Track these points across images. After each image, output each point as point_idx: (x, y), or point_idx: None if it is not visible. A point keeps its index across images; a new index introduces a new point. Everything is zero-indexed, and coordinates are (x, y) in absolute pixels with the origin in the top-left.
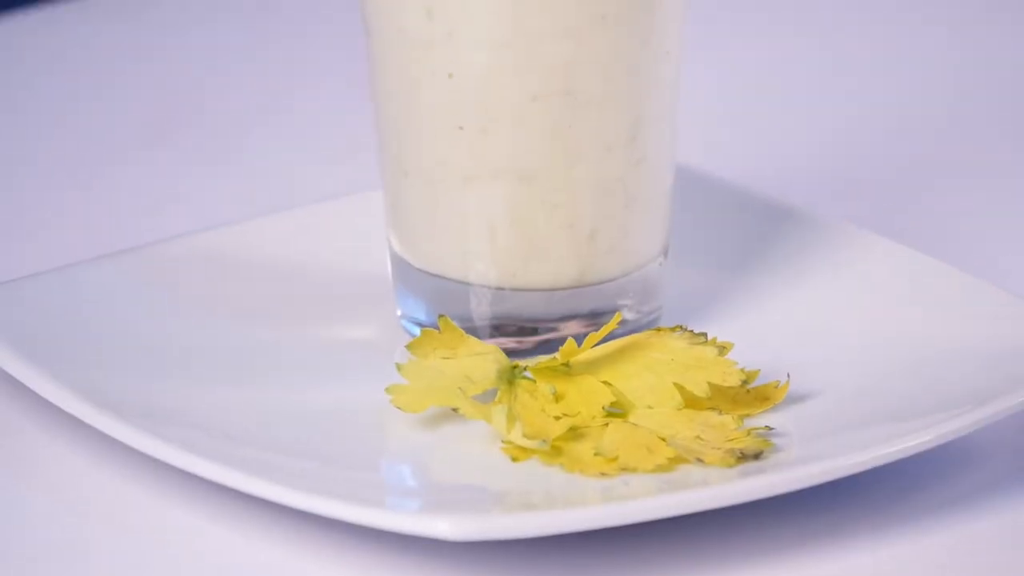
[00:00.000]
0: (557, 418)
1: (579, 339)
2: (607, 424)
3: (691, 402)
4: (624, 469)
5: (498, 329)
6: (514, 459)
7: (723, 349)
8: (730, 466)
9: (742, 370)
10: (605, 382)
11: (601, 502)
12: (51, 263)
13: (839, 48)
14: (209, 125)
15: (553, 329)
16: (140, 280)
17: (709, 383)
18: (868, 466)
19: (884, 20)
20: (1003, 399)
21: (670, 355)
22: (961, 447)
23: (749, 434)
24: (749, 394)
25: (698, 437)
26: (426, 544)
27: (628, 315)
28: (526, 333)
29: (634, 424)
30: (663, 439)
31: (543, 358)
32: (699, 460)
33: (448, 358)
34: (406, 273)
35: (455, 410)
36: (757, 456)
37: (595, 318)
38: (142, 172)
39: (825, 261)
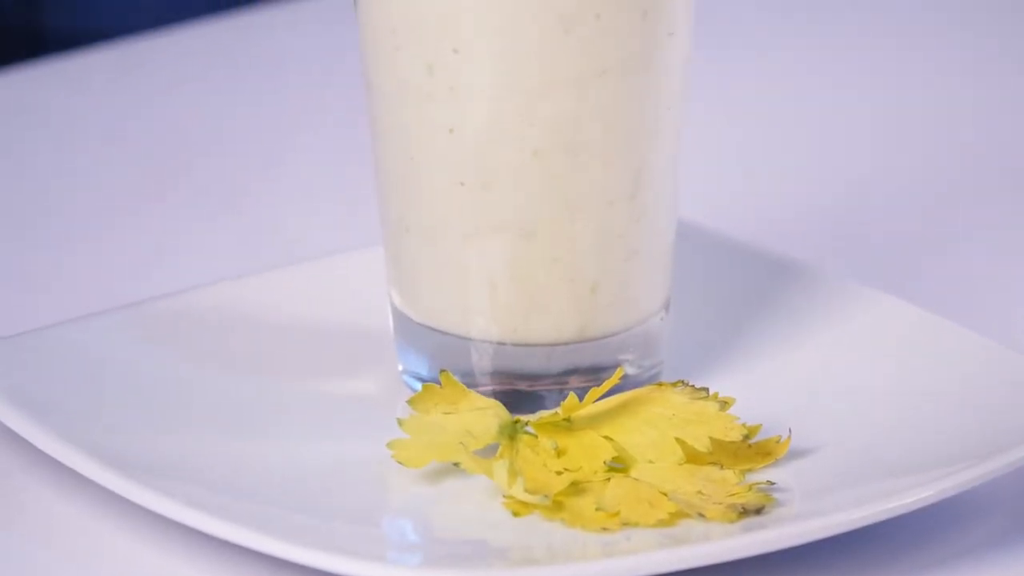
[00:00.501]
0: (559, 473)
1: (580, 394)
2: (609, 479)
3: (692, 457)
4: (626, 524)
5: (500, 384)
6: (516, 514)
7: (725, 404)
8: (732, 521)
9: (744, 425)
10: (606, 437)
11: (603, 557)
12: (52, 318)
13: (842, 103)
14: (209, 180)
15: (554, 384)
16: (140, 335)
17: (711, 438)
18: (870, 521)
19: (888, 74)
20: (1004, 454)
21: (671, 410)
22: (963, 502)
23: (751, 489)
24: (751, 449)
25: (700, 492)
26: None
27: (629, 370)
28: (528, 385)
29: (635, 479)
30: (665, 494)
31: (544, 413)
32: (701, 515)
33: (449, 413)
34: (407, 328)
35: (456, 465)
36: (759, 511)
37: (596, 373)
38: (142, 227)
39: (827, 316)
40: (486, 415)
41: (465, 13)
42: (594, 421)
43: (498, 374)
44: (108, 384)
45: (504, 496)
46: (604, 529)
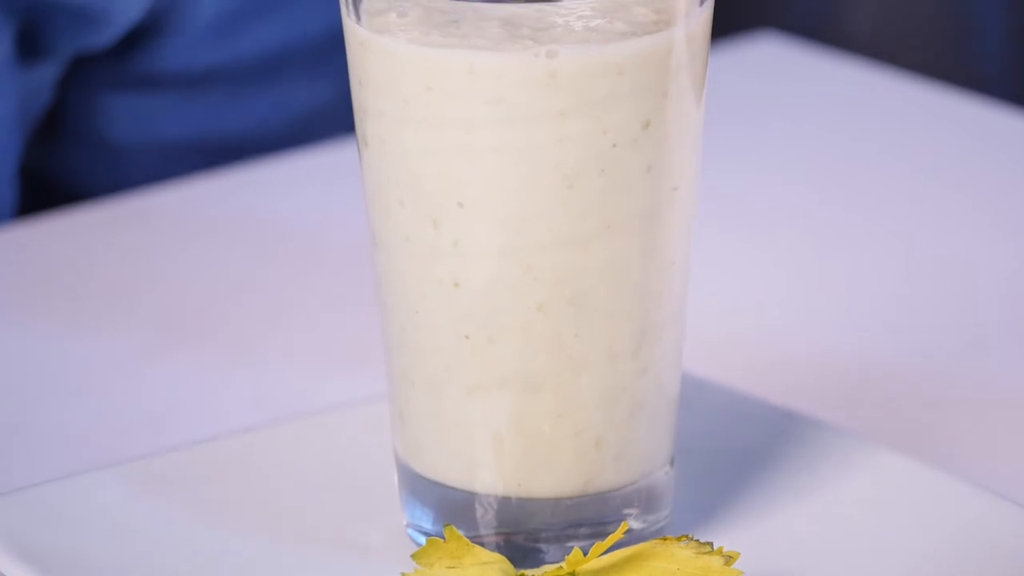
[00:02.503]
0: None
1: (585, 548)
2: None
3: None
4: None
5: (504, 537)
6: None
7: (730, 559)
8: None
9: None
10: None
11: None
12: (57, 472)
13: (849, 256)
14: (214, 335)
15: (559, 538)
16: (145, 490)
17: None
18: None
19: (895, 228)
20: None
21: (676, 564)
22: None
23: None
24: None
25: None
26: None
27: (634, 524)
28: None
29: None
30: None
31: (549, 567)
32: None
33: (453, 567)
34: (412, 481)
35: None
36: None
37: (601, 527)
38: (147, 381)
39: (832, 471)
40: (490, 569)
41: (470, 168)
42: (598, 575)
43: (502, 528)
44: (111, 539)
45: None
46: None
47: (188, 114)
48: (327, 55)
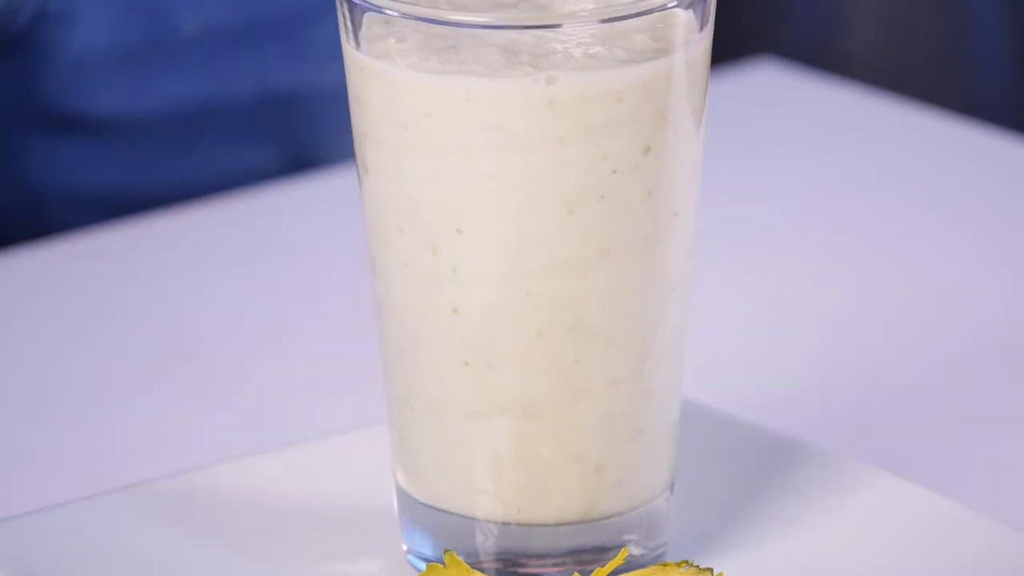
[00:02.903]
0: None
1: (585, 574)
2: None
3: None
4: None
5: (504, 563)
6: None
7: None
8: None
9: None
10: None
11: None
12: (53, 499)
13: (850, 281)
14: (214, 359)
15: (559, 564)
16: (141, 516)
17: None
18: None
19: (897, 252)
20: None
21: None
22: None
23: None
24: None
25: None
26: None
27: (634, 550)
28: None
29: None
30: None
31: None
32: None
33: None
34: (411, 508)
35: None
36: None
37: (601, 553)
38: (144, 407)
39: (833, 497)
40: None
41: (468, 195)
42: None
43: (502, 554)
44: (108, 565)
45: None
46: None
47: (105, 166)
48: (255, 120)
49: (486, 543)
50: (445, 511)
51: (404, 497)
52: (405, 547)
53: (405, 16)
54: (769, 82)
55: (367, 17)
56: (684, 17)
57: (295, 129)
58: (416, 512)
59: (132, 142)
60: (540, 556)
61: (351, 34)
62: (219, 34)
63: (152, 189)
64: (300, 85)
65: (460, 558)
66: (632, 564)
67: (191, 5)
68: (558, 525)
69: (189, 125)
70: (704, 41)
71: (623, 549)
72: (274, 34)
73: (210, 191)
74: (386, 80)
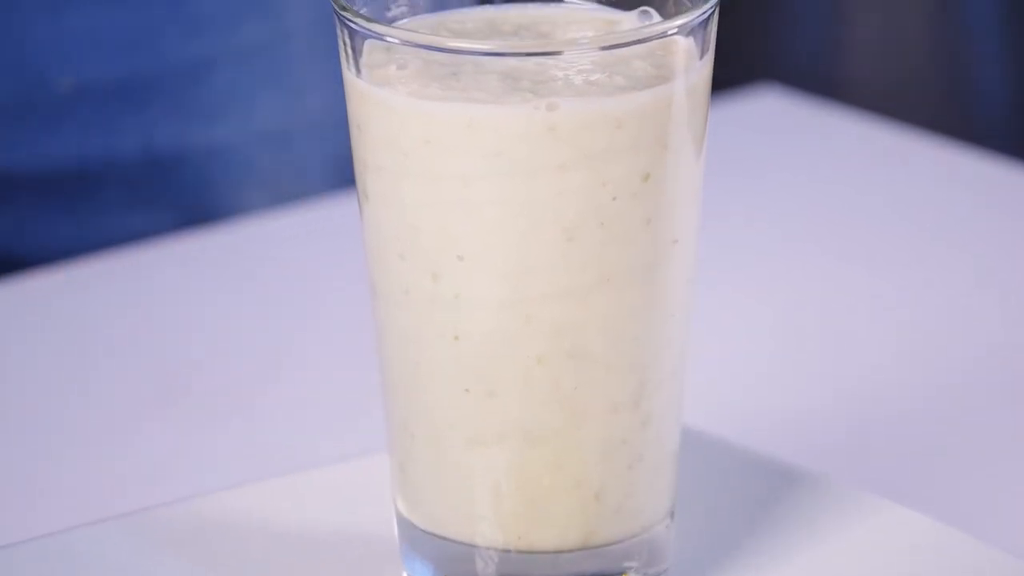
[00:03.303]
0: None
1: None
2: None
3: None
4: None
5: None
6: None
7: None
8: None
9: None
10: None
11: None
12: (55, 526)
13: (851, 307)
14: (213, 388)
15: None
16: (142, 545)
17: None
18: None
19: (899, 279)
20: None
21: None
22: None
23: None
24: None
25: None
26: None
27: None
28: None
29: None
30: None
31: None
32: None
33: None
34: (412, 535)
35: None
36: None
37: None
38: (145, 435)
39: (833, 524)
40: None
41: (469, 222)
42: None
43: None
44: None
45: None
46: None
47: None
48: (143, 178)
49: (486, 570)
50: (445, 538)
51: (404, 524)
52: (405, 574)
53: (406, 43)
54: (770, 108)
55: (368, 44)
56: (684, 44)
57: (185, 188)
58: (416, 539)
59: (13, 201)
60: None
61: (351, 61)
62: (97, 91)
63: (39, 248)
64: (188, 143)
65: None
66: None
67: (64, 62)
68: (558, 552)
69: (75, 183)
70: (705, 68)
71: (623, 575)
72: (157, 91)
73: (101, 250)
74: (386, 107)
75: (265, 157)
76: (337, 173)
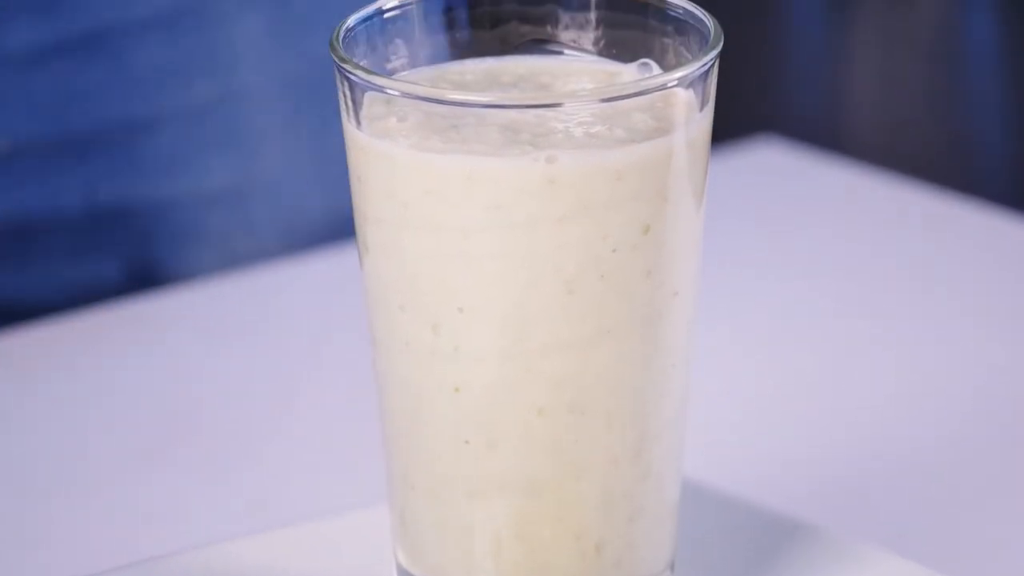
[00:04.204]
0: None
1: None
2: None
3: None
4: None
5: None
6: None
7: None
8: None
9: None
10: None
11: None
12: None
13: (850, 359)
14: (211, 440)
15: None
16: None
17: None
18: None
19: (898, 329)
20: None
21: None
22: None
23: None
24: None
25: None
26: None
27: None
28: None
29: None
30: None
31: None
32: None
33: None
34: None
35: None
36: None
37: None
38: (145, 485)
39: None
40: None
41: (469, 273)
42: None
43: None
44: None
45: None
46: None
47: None
48: (87, 234)
49: None
50: None
51: (405, 575)
52: None
53: (406, 96)
54: (771, 160)
55: (368, 96)
56: (684, 96)
57: (131, 244)
58: None
59: None
60: None
61: (352, 113)
62: (34, 150)
63: None
64: (132, 199)
65: None
66: None
67: None
68: None
69: (17, 239)
70: (705, 120)
71: None
72: (98, 147)
73: (47, 305)
74: (387, 159)
75: (215, 215)
76: (289, 234)
